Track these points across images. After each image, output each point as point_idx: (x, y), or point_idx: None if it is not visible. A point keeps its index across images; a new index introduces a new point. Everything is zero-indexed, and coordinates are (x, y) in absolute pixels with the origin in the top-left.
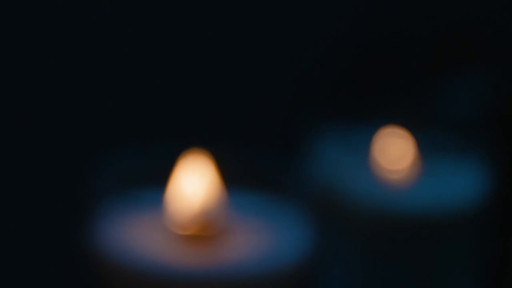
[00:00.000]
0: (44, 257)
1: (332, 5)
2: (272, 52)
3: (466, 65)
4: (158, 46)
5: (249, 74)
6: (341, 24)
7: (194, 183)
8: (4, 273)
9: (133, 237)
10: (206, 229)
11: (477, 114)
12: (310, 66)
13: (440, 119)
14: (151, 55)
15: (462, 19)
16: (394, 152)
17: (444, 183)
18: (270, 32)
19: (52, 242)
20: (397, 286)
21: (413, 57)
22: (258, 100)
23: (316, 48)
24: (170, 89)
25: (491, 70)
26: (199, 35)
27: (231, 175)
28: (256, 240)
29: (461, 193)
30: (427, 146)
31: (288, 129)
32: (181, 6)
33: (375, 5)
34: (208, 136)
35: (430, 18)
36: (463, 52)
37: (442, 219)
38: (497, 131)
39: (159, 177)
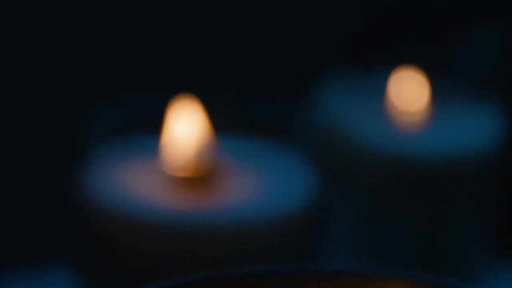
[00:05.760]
0: (38, 203)
1: None
2: None
3: (485, 20)
4: None
5: (255, 14)
6: None
7: (188, 124)
8: None
9: (127, 180)
10: (201, 171)
11: (493, 66)
12: (322, 8)
13: (456, 66)
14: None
15: None
16: (407, 94)
17: (456, 129)
18: None
19: (47, 189)
20: (405, 234)
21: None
22: (265, 44)
23: None
24: (165, 34)
25: (509, 25)
26: None
27: (233, 120)
28: (254, 184)
29: (473, 140)
30: (441, 91)
31: (296, 72)
32: None
33: None
34: (215, 79)
35: None
36: (483, 7)
37: (453, 165)
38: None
39: (154, 121)
